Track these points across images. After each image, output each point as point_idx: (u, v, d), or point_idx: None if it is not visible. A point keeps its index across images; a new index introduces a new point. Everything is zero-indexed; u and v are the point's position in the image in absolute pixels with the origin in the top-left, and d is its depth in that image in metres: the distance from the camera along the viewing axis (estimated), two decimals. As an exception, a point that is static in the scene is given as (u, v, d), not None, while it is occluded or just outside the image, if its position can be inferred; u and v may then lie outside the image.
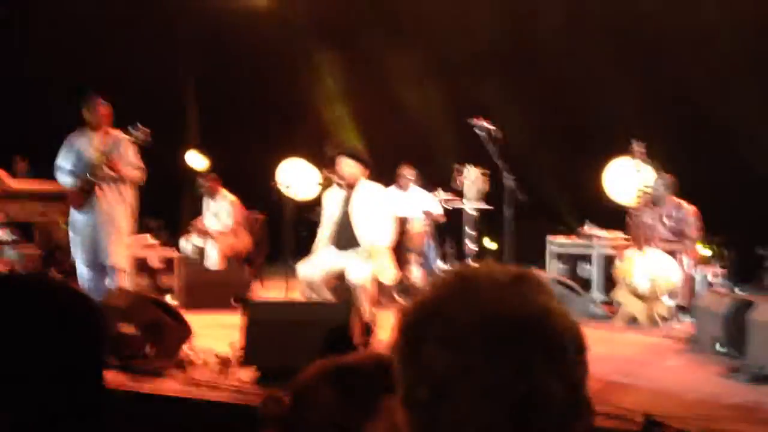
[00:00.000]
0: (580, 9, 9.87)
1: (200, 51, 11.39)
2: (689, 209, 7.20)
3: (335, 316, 4.72)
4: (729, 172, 8.86)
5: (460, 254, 8.65)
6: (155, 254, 8.21)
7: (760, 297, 6.46)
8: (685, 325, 6.37)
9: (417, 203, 8.52)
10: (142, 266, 7.93)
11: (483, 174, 7.04)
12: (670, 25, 9.37)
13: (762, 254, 8.54)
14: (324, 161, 8.04)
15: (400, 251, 6.62)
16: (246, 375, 4.69)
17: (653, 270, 6.69)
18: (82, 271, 6.89)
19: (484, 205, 7.27)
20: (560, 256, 7.86)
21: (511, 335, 0.82)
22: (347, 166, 6.16)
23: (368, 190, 6.20)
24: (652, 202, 7.22)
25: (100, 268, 6.88)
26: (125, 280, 7.07)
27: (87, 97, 6.84)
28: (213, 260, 8.43)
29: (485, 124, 7.23)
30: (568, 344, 0.85)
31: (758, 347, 4.95)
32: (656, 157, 7.50)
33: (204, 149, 11.90)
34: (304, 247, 7.28)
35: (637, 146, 7.52)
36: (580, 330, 0.89)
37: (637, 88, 9.38)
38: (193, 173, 11.67)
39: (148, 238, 8.99)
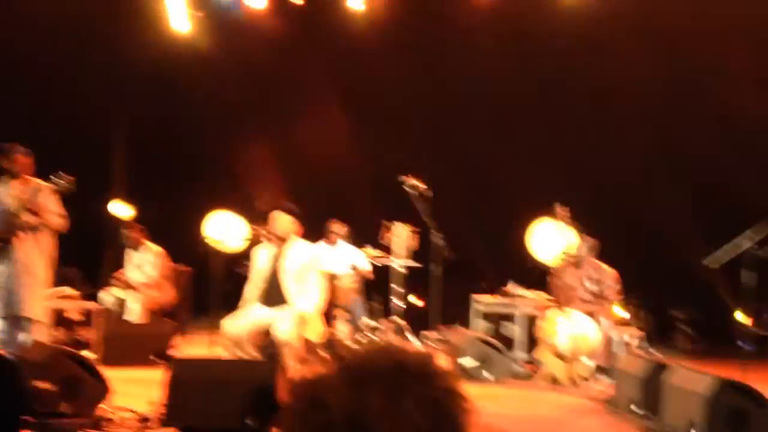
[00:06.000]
0: (502, 66, 10.09)
1: (130, 99, 11.25)
2: (609, 272, 7.43)
3: (260, 375, 4.67)
4: (644, 236, 9.22)
5: (387, 311, 8.68)
6: (74, 306, 7.96)
7: (674, 358, 6.70)
8: (603, 385, 6.52)
9: (345, 259, 8.53)
10: (59, 319, 7.67)
11: (412, 231, 7.14)
12: (599, 86, 9.72)
13: (675, 315, 8.85)
14: (253, 215, 8.01)
15: (328, 307, 6.60)
16: (166, 434, 4.57)
17: (574, 330, 6.86)
18: (-4, 323, 6.65)
19: (412, 263, 7.34)
20: (484, 315, 7.98)
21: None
22: (282, 221, 6.15)
23: (299, 249, 6.18)
24: (574, 263, 7.43)
25: (15, 320, 6.65)
26: (42, 332, 6.84)
27: (6, 145, 6.74)
28: (134, 313, 8.21)
29: (416, 182, 7.37)
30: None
31: (672, 409, 5.12)
32: (578, 221, 7.75)
33: (129, 199, 11.69)
34: (230, 302, 7.20)
35: (560, 209, 7.75)
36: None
37: (560, 152, 9.71)
38: (116, 223, 11.42)
39: (67, 290, 8.72)
